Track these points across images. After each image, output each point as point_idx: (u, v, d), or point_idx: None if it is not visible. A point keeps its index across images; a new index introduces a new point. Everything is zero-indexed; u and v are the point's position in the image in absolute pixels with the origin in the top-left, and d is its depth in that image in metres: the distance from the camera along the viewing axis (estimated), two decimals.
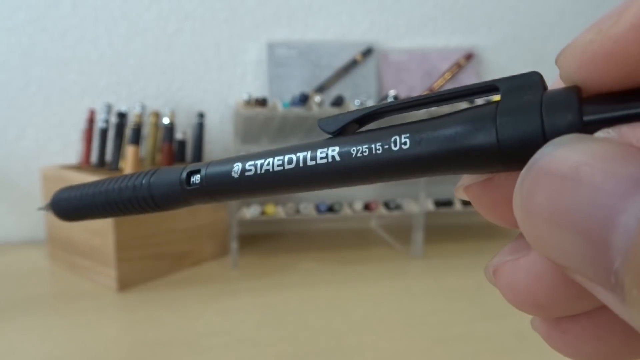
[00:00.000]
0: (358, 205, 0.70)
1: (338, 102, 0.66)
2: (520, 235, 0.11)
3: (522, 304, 0.11)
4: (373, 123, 0.15)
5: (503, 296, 0.11)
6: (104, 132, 0.70)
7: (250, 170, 0.14)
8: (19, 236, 0.76)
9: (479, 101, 0.62)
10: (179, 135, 0.72)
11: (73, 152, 0.76)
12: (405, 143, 0.12)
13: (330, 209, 0.70)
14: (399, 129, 0.12)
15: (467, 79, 0.86)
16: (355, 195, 0.80)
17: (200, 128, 0.72)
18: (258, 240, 0.78)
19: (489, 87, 0.12)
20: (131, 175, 0.18)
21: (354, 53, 0.82)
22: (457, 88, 0.12)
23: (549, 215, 0.08)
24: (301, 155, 0.14)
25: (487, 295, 0.57)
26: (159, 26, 0.77)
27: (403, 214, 0.71)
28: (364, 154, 0.13)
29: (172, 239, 0.63)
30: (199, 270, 0.65)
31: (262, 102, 0.65)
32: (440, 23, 0.87)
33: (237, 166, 0.15)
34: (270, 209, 0.69)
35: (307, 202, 0.71)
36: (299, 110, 0.66)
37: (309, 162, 0.14)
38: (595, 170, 0.07)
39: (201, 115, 0.73)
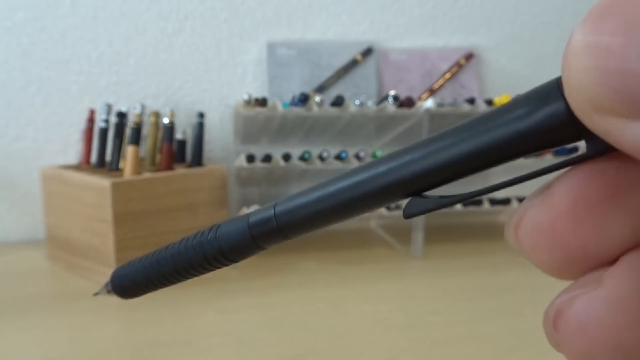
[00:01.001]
0: None
1: (338, 102, 0.66)
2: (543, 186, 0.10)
3: (602, 347, 0.09)
4: None
5: (521, 247, 0.10)
6: (104, 132, 0.70)
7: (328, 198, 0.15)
8: (19, 236, 0.76)
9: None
10: (179, 135, 0.72)
11: (73, 152, 0.76)
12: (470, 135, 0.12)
13: None
14: (462, 127, 0.12)
15: (467, 78, 0.86)
16: None
17: (200, 128, 0.72)
18: None
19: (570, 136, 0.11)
20: (193, 236, 0.18)
21: (354, 53, 0.82)
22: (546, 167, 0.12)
23: (589, 43, 0.08)
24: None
25: (487, 295, 0.57)
26: (159, 26, 0.77)
27: None
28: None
29: (172, 239, 0.63)
30: None
31: (262, 102, 0.65)
32: (440, 23, 0.87)
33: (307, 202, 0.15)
34: None
35: None
36: (299, 110, 0.66)
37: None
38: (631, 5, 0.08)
39: (201, 115, 0.73)
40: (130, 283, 0.20)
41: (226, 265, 0.18)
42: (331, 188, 0.15)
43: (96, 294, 0.22)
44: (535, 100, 0.11)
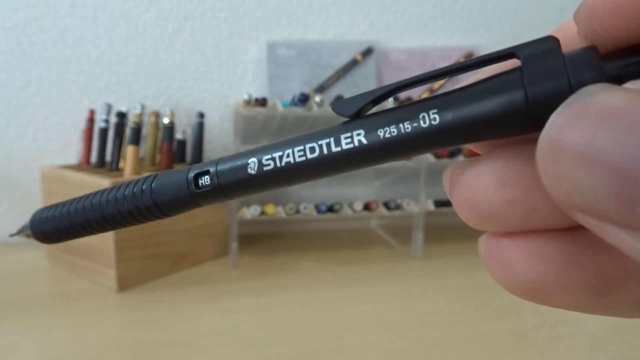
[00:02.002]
0: (358, 206, 0.70)
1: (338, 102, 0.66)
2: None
3: (465, 205, 0.12)
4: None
5: (453, 201, 0.12)
6: (104, 132, 0.70)
7: (268, 164, 0.14)
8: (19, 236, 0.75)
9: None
10: (179, 135, 0.72)
11: (73, 152, 0.76)
12: (434, 119, 0.12)
13: (330, 209, 0.70)
14: (424, 105, 0.13)
15: (467, 78, 0.86)
16: (356, 195, 0.80)
17: (200, 128, 0.72)
18: (258, 240, 0.78)
19: (507, 54, 0.12)
20: (126, 185, 0.17)
21: (354, 53, 0.82)
22: (475, 58, 0.13)
23: (581, 152, 0.08)
24: (323, 142, 0.14)
25: (487, 295, 0.57)
26: (159, 26, 0.77)
27: (403, 214, 0.71)
28: (392, 133, 0.13)
29: (172, 239, 0.63)
30: (199, 270, 0.65)
31: (262, 102, 0.65)
32: (440, 23, 0.87)
33: (253, 162, 0.15)
34: (270, 209, 0.69)
35: (307, 202, 0.71)
36: (299, 110, 0.66)
37: (334, 149, 0.13)
38: (631, 113, 0.08)
39: (201, 115, 0.73)
40: (52, 228, 0.19)
41: (159, 218, 0.17)
42: (275, 154, 0.14)
43: (12, 235, 0.21)
44: (497, 90, 0.11)
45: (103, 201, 0.17)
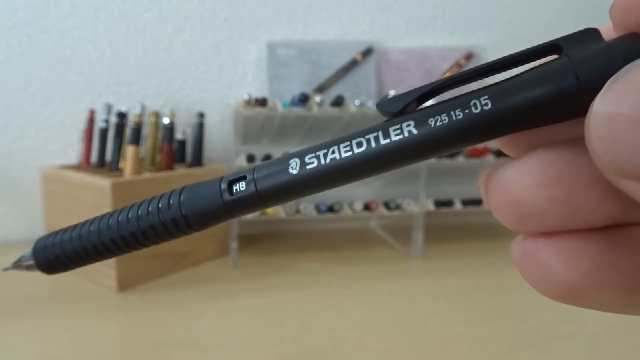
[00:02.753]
0: (358, 205, 0.70)
1: (338, 102, 0.66)
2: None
3: (506, 205, 0.12)
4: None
5: (490, 202, 0.12)
6: (104, 132, 0.70)
7: (312, 162, 0.13)
8: (19, 236, 0.76)
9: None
10: (179, 135, 0.72)
11: (73, 152, 0.76)
12: (486, 104, 0.12)
13: (330, 209, 0.70)
14: (475, 94, 0.12)
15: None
16: (355, 195, 0.80)
17: (200, 128, 0.72)
18: (258, 240, 0.78)
19: (551, 47, 0.12)
20: (149, 200, 0.16)
21: (354, 53, 0.82)
22: (518, 52, 0.13)
23: (633, 115, 0.09)
24: (371, 136, 0.13)
25: (487, 295, 0.57)
26: (159, 26, 0.77)
27: (403, 214, 0.71)
28: (444, 122, 0.12)
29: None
30: (199, 270, 0.65)
31: (262, 102, 0.65)
32: (440, 23, 0.87)
33: (295, 161, 0.14)
34: (270, 209, 0.69)
35: (307, 202, 0.71)
36: (299, 110, 0.66)
37: (383, 142, 0.13)
38: None
39: (201, 115, 0.73)
40: (59, 254, 0.17)
41: (185, 234, 0.16)
42: (318, 152, 0.14)
43: (6, 270, 0.18)
44: (548, 76, 0.12)
45: (122, 220, 0.16)
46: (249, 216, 0.67)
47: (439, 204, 0.72)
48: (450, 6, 0.86)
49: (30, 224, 0.76)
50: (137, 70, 0.77)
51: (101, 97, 0.76)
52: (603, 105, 0.09)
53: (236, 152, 0.68)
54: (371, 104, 0.67)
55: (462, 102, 0.12)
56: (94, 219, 0.17)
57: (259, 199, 0.14)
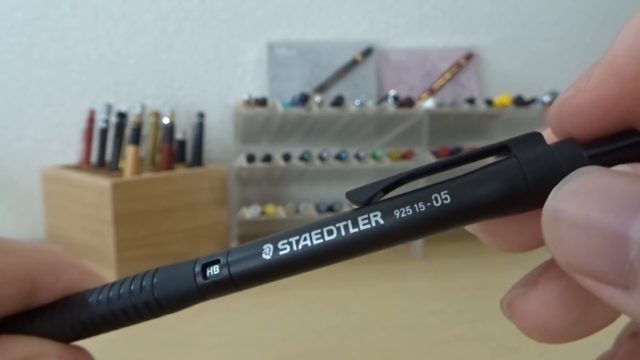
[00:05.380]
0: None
1: (338, 102, 0.66)
2: (528, 274, 0.14)
3: (534, 331, 0.14)
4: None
5: (517, 326, 0.14)
6: (104, 132, 0.70)
7: (284, 249, 0.14)
8: (19, 236, 0.76)
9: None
10: (179, 135, 0.72)
11: (73, 152, 0.76)
12: (446, 199, 0.13)
13: (330, 209, 0.70)
14: (435, 188, 0.14)
15: (467, 78, 0.86)
16: None
17: (200, 128, 0.72)
18: None
19: (501, 147, 0.14)
20: (121, 282, 0.16)
21: (354, 53, 0.82)
22: (472, 151, 0.15)
23: (577, 220, 0.10)
24: (341, 224, 0.14)
25: (487, 295, 0.57)
26: (159, 26, 0.77)
27: None
28: (408, 213, 0.14)
29: (172, 239, 0.63)
30: None
31: (262, 102, 0.65)
32: (440, 23, 0.87)
33: (268, 247, 0.14)
34: (270, 209, 0.69)
35: (307, 202, 0.71)
36: (299, 110, 0.66)
37: (352, 230, 0.14)
38: (616, 188, 0.10)
39: (201, 115, 0.73)
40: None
41: (155, 317, 0.16)
42: (291, 239, 0.14)
43: None
44: (499, 175, 0.13)
45: (93, 302, 0.16)
46: (249, 216, 0.67)
47: None
48: (450, 6, 0.86)
49: (30, 224, 0.76)
50: (137, 70, 0.77)
51: (101, 97, 0.76)
52: (551, 210, 0.11)
53: (236, 152, 0.68)
54: (371, 104, 0.67)
55: (424, 195, 0.14)
56: (65, 298, 0.16)
57: (232, 282, 0.15)
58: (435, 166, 0.15)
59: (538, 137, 0.13)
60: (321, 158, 0.67)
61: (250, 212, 0.67)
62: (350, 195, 0.15)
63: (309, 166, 0.67)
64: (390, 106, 0.67)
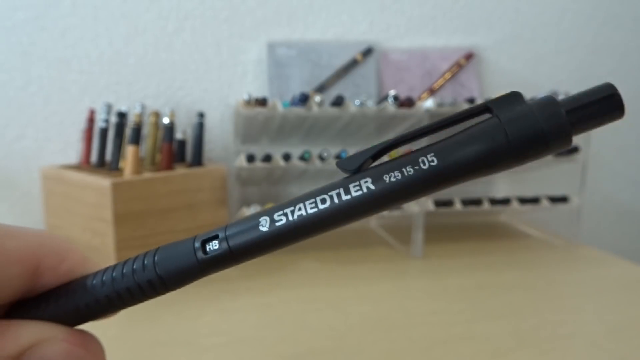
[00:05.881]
0: None
1: (338, 102, 0.66)
2: None
3: None
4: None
5: None
6: (104, 132, 0.70)
7: (280, 220, 0.15)
8: None
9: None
10: (179, 135, 0.72)
11: (73, 152, 0.76)
12: (432, 161, 0.14)
13: None
14: (422, 151, 0.14)
15: (467, 78, 0.86)
16: None
17: (200, 128, 0.72)
18: None
19: (483, 109, 0.15)
20: (124, 263, 0.16)
21: (354, 53, 0.82)
22: (455, 114, 0.15)
23: None
24: (333, 193, 0.15)
25: (487, 295, 0.57)
26: (159, 26, 0.77)
27: (403, 214, 0.71)
28: (397, 177, 0.14)
29: (172, 239, 0.63)
30: None
31: (262, 102, 0.65)
32: (440, 23, 0.87)
33: (265, 219, 0.15)
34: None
35: None
36: (299, 110, 0.66)
37: (344, 197, 0.15)
38: None
39: (201, 115, 0.73)
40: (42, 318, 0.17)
41: (159, 294, 0.16)
42: (285, 209, 0.15)
43: None
44: (482, 135, 0.14)
45: (97, 283, 0.16)
46: None
47: (439, 203, 0.72)
48: (450, 6, 0.86)
49: (30, 224, 0.75)
50: (137, 70, 0.77)
51: (101, 97, 0.76)
52: None
53: (236, 152, 0.68)
54: (371, 104, 0.67)
55: (411, 159, 0.14)
56: (68, 283, 0.16)
57: (232, 256, 0.15)
58: (421, 131, 0.15)
59: (518, 96, 0.14)
60: (321, 158, 0.67)
61: (250, 212, 0.67)
62: (340, 164, 0.15)
63: (309, 166, 0.67)
64: (390, 106, 0.67)
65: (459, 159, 0.14)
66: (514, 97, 0.14)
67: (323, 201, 0.15)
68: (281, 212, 0.15)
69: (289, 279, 0.62)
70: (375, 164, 0.15)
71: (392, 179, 0.14)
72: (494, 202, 0.73)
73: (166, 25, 0.77)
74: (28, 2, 0.72)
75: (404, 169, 0.14)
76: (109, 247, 0.57)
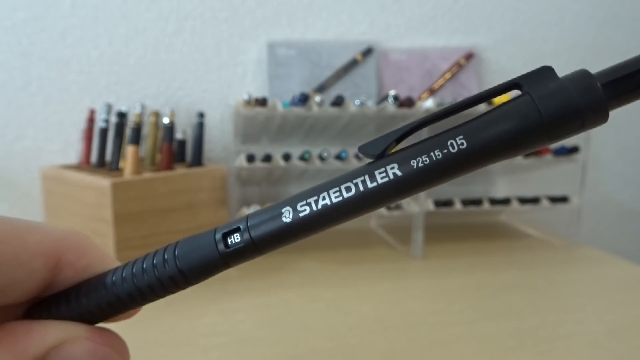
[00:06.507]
0: None
1: (338, 102, 0.66)
2: None
3: None
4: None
5: None
6: (104, 132, 0.70)
7: (304, 210, 0.14)
8: None
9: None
10: (179, 135, 0.72)
11: (73, 152, 0.76)
12: (462, 144, 0.13)
13: None
14: (450, 133, 0.14)
15: (467, 78, 0.86)
16: None
17: (200, 128, 0.72)
18: None
19: (512, 85, 0.14)
20: (143, 258, 0.16)
21: (354, 53, 0.82)
22: (481, 92, 0.14)
23: None
24: (358, 180, 0.14)
25: (487, 295, 0.57)
26: (159, 26, 0.77)
27: (403, 214, 0.71)
28: (425, 162, 0.13)
29: (172, 239, 0.63)
30: None
31: (262, 102, 0.65)
32: (440, 23, 0.87)
33: (287, 210, 0.14)
34: None
35: None
36: (299, 110, 0.66)
37: (370, 185, 0.14)
38: None
39: (201, 115, 0.73)
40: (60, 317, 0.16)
41: (181, 289, 0.16)
42: (309, 199, 0.14)
43: None
44: (514, 113, 0.13)
45: (117, 280, 0.16)
46: None
47: (439, 203, 0.72)
48: (450, 6, 0.86)
49: None
50: (137, 70, 0.77)
51: (101, 97, 0.76)
52: None
53: (236, 152, 0.68)
54: (371, 104, 0.67)
55: (439, 142, 0.14)
56: (88, 280, 0.16)
57: (255, 247, 0.15)
58: (447, 111, 0.15)
59: (549, 71, 0.13)
60: (321, 158, 0.67)
61: (250, 212, 0.67)
62: (363, 149, 0.14)
63: (309, 166, 0.67)
64: (390, 106, 0.67)
65: (490, 140, 0.13)
66: (546, 72, 0.13)
67: (348, 189, 0.14)
68: (304, 202, 0.14)
69: (289, 279, 0.62)
70: (399, 147, 0.15)
71: (420, 164, 0.13)
72: (494, 202, 0.73)
73: (166, 26, 0.77)
74: (28, 2, 0.72)
75: (432, 153, 0.13)
76: (109, 247, 0.57)
